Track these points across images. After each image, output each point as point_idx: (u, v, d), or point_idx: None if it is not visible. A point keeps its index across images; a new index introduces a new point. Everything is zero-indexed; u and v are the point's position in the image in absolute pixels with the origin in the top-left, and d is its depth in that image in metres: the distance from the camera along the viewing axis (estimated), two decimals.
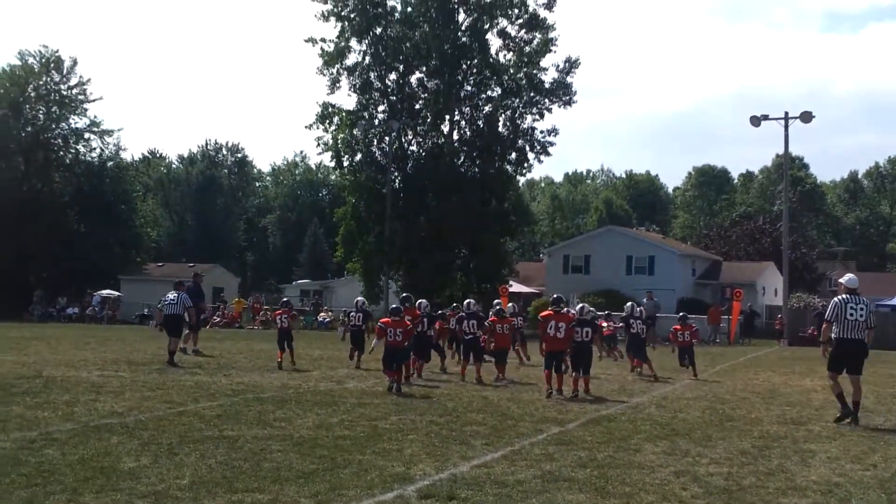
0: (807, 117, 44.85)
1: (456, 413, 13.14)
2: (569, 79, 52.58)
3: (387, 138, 52.24)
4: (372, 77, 53.01)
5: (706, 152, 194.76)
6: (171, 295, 22.14)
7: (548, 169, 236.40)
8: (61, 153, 64.53)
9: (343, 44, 52.08)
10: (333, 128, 52.72)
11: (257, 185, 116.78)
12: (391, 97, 53.17)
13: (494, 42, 53.06)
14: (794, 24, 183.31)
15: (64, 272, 60.49)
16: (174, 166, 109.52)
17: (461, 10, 52.46)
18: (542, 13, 52.14)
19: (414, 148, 54.57)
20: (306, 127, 53.10)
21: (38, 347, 24.87)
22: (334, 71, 52.28)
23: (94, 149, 65.21)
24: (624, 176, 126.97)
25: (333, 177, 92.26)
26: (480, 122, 53.21)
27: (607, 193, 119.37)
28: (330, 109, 52.71)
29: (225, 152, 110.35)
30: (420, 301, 21.20)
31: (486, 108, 53.44)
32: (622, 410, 14.14)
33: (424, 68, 52.69)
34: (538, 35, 52.35)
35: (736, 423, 12.90)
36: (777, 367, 25.34)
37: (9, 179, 59.75)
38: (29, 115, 62.81)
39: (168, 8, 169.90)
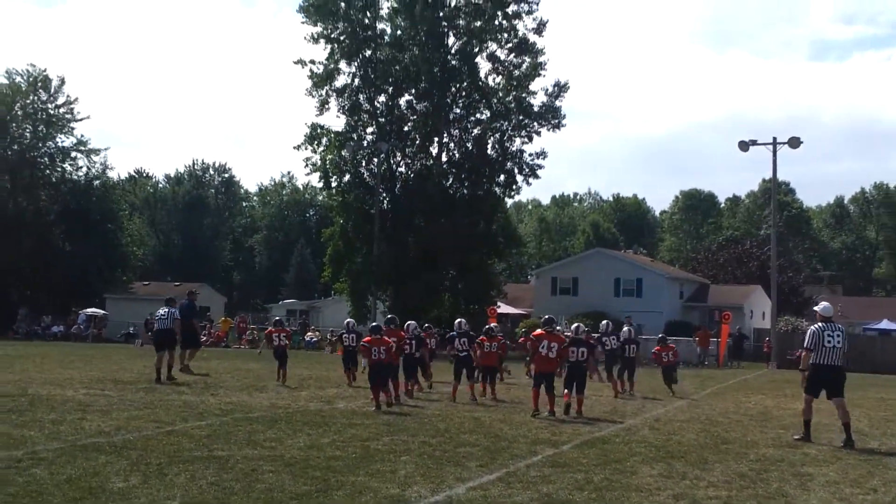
0: (795, 143, 44.90)
1: (448, 434, 12.99)
2: (557, 102, 52.82)
3: (375, 160, 52.19)
4: (361, 99, 53.06)
5: (693, 176, 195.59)
6: (162, 311, 22.00)
7: (535, 191, 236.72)
8: (48, 171, 64.20)
9: (332, 66, 52.16)
10: (322, 149, 52.71)
11: (244, 204, 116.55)
12: (380, 119, 53.19)
13: (484, 65, 53.31)
14: (782, 52, 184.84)
15: (49, 290, 60.08)
16: (161, 185, 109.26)
17: (451, 34, 52.65)
18: (532, 38, 52.46)
19: (402, 169, 54.60)
20: (295, 147, 53.17)
21: (24, 365, 24.59)
22: (323, 92, 52.34)
23: (81, 167, 64.88)
24: (611, 199, 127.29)
25: (321, 197, 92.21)
26: (469, 145, 53.30)
27: (594, 216, 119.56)
28: (319, 130, 52.69)
29: (212, 172, 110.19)
30: (409, 323, 21.17)
31: (475, 131, 53.53)
32: (616, 432, 14.02)
33: (414, 91, 52.77)
34: (527, 59, 52.54)
35: (731, 445, 12.79)
36: (768, 390, 25.28)
37: None
38: (15, 134, 62.48)
39: (157, 28, 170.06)
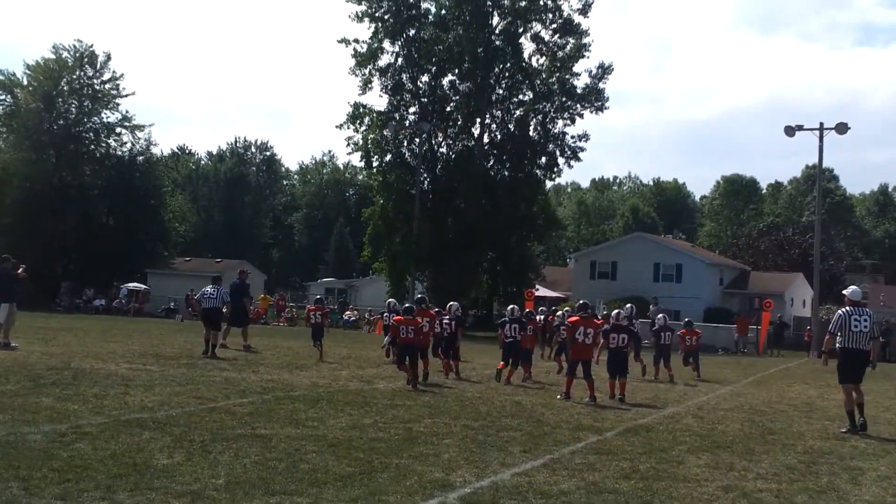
0: (842, 129, 44.16)
1: (490, 418, 12.90)
2: (601, 84, 52.46)
3: (417, 140, 52.05)
4: (404, 78, 52.91)
5: (734, 161, 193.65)
6: (209, 289, 22.20)
7: (574, 175, 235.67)
8: (92, 147, 64.62)
9: (376, 45, 52.01)
10: (364, 128, 52.65)
11: (284, 183, 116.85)
12: (422, 99, 53.05)
13: (528, 46, 53.05)
14: (828, 37, 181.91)
15: (92, 264, 60.66)
16: (203, 162, 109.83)
17: (495, 14, 52.34)
18: (577, 18, 52.10)
19: (444, 150, 54.49)
20: (337, 126, 53.15)
21: (66, 338, 24.78)
22: (366, 72, 52.22)
23: (125, 143, 65.24)
24: (651, 183, 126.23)
25: (361, 176, 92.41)
26: (511, 126, 53.08)
27: (634, 200, 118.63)
28: (361, 110, 52.63)
29: (254, 150, 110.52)
30: (451, 303, 21.25)
31: (518, 112, 53.26)
32: (659, 420, 13.85)
33: (457, 71, 52.58)
34: (572, 40, 52.18)
35: (778, 436, 12.57)
36: (810, 380, 24.92)
37: (40, 171, 59.90)
38: (61, 109, 62.93)
39: (202, 6, 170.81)
